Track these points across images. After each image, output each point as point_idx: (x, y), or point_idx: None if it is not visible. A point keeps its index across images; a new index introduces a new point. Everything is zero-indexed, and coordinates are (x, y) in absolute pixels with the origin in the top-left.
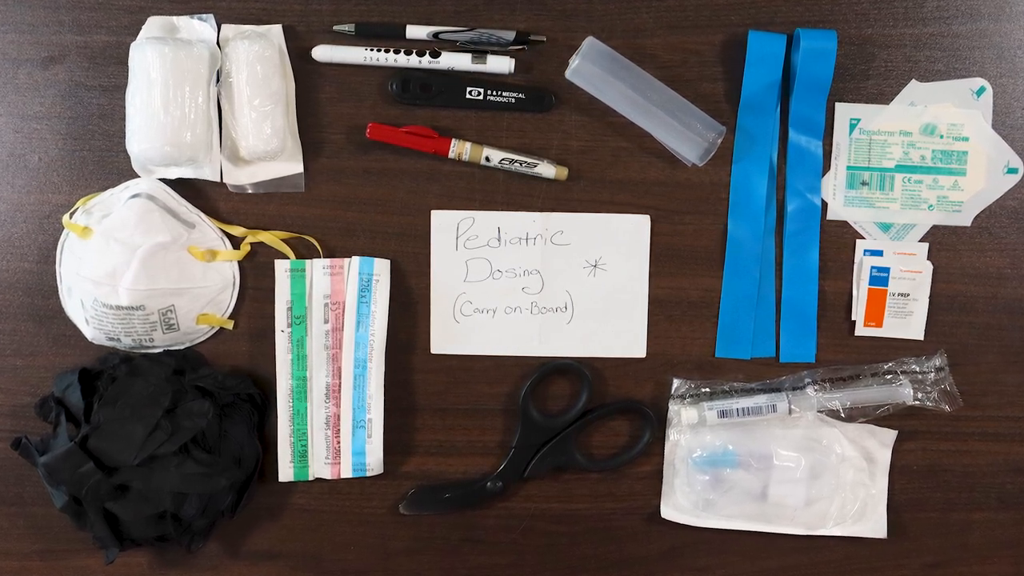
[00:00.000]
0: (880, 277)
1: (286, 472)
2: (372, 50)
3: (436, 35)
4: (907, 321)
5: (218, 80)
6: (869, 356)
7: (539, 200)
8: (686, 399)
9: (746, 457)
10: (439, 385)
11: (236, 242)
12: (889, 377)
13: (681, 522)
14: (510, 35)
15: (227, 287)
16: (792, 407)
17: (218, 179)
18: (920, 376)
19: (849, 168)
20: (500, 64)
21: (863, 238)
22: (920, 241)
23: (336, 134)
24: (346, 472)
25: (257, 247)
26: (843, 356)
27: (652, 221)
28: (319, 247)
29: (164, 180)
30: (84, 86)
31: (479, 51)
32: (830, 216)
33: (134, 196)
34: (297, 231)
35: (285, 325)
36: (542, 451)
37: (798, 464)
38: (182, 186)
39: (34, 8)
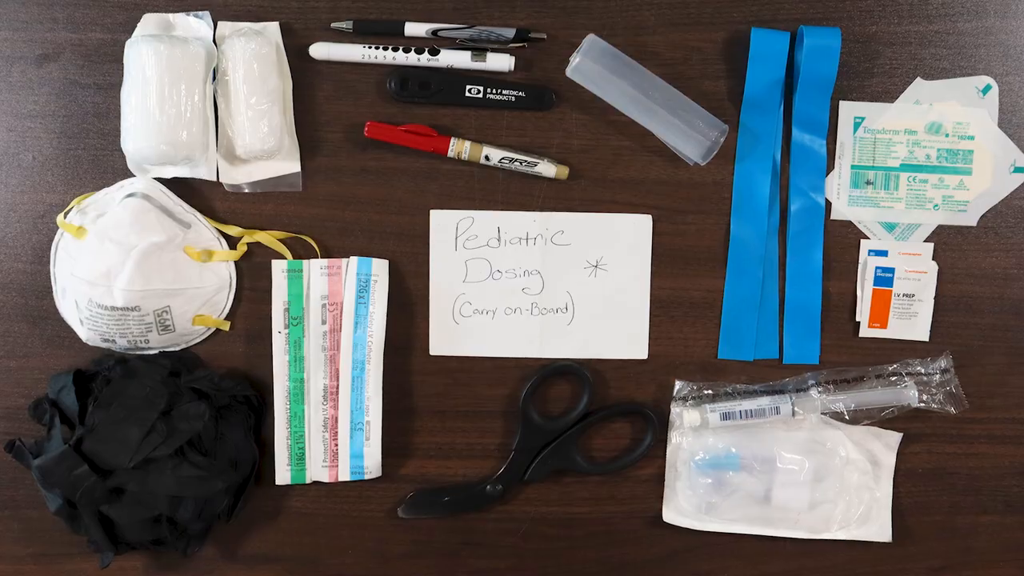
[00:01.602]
0: (885, 278)
1: (283, 475)
2: (370, 47)
3: (435, 32)
4: (912, 322)
5: (214, 78)
6: (873, 358)
7: (539, 199)
8: (688, 401)
9: (749, 460)
10: (438, 387)
11: (232, 242)
12: (894, 379)
13: (683, 526)
14: (510, 32)
15: (223, 288)
16: (796, 409)
17: (214, 178)
18: (925, 378)
19: (853, 167)
20: (500, 62)
21: (867, 238)
22: (925, 241)
23: (334, 133)
24: (344, 475)
25: (254, 247)
26: (847, 358)
27: (654, 221)
28: (316, 247)
29: (160, 179)
30: (79, 84)
31: (479, 49)
32: (834, 216)
33: (129, 195)
34: (294, 231)
35: (282, 326)
36: (543, 454)
37: (802, 467)
38: (178, 185)
39: (28, 5)
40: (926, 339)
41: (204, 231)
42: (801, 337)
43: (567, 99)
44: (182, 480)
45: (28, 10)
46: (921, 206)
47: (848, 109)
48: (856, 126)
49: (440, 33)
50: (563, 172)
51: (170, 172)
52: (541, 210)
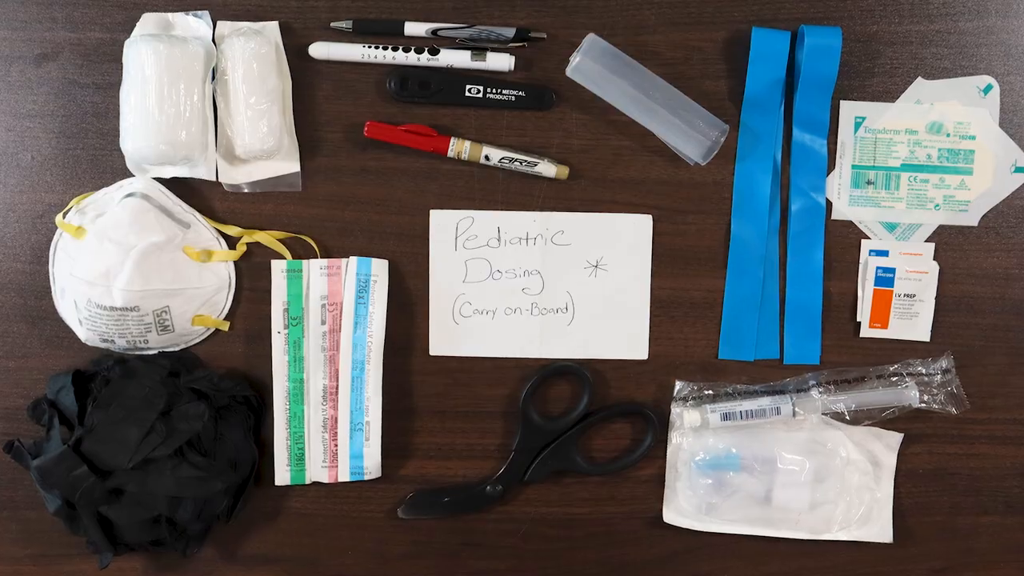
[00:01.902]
0: (886, 278)
1: (283, 476)
2: (370, 47)
3: (435, 32)
4: (913, 322)
5: (213, 78)
6: (874, 358)
7: (539, 199)
8: (689, 401)
9: (750, 460)
10: (438, 387)
11: (232, 242)
12: (895, 379)
13: (684, 526)
14: (510, 32)
15: (223, 288)
16: (796, 410)
17: (214, 178)
18: (926, 378)
19: (854, 167)
20: (500, 61)
21: (868, 238)
22: (926, 241)
23: (333, 132)
24: (344, 476)
25: (253, 247)
26: (848, 358)
27: (654, 221)
28: (316, 247)
29: (159, 179)
30: (78, 84)
31: (479, 48)
32: (835, 216)
33: (128, 195)
34: (294, 231)
35: (282, 327)
36: (543, 454)
37: (802, 467)
38: (177, 185)
39: (27, 4)
40: (927, 339)
41: (203, 231)
42: (802, 337)
43: (567, 99)
44: (181, 481)
45: (27, 9)
46: (922, 206)
47: (849, 109)
48: (857, 126)
49: (440, 33)
50: (563, 172)
51: (169, 172)
52: (541, 210)
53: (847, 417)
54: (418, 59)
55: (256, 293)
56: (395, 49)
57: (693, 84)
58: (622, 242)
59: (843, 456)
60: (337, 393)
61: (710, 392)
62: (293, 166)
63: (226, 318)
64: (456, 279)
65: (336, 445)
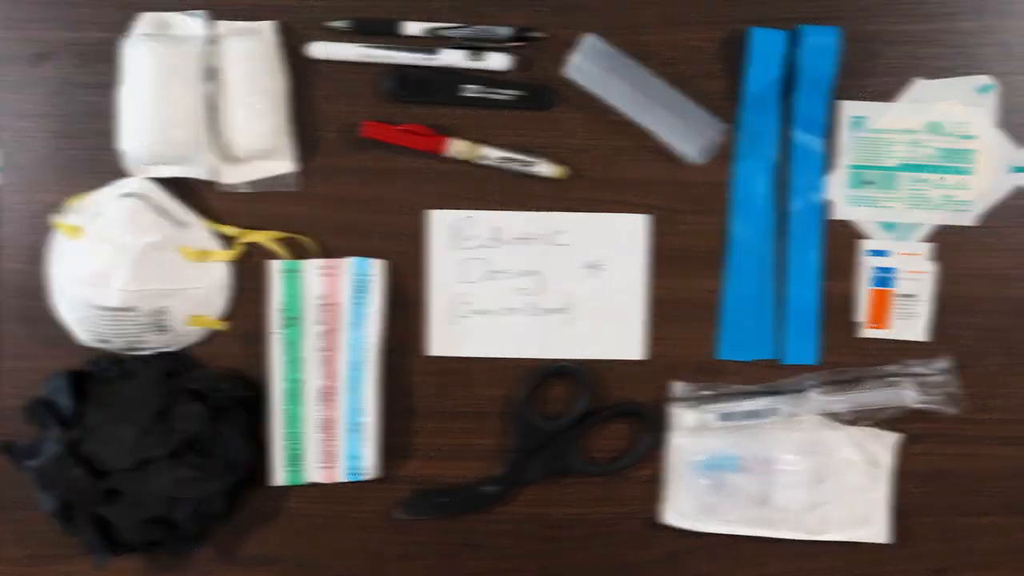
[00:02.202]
0: (884, 278)
1: (280, 476)
2: (367, 47)
3: (433, 31)
4: (912, 322)
5: (211, 77)
6: (873, 358)
7: (538, 199)
8: (687, 402)
9: (748, 461)
10: (436, 388)
11: (229, 242)
12: (893, 380)
13: (682, 527)
14: (508, 31)
15: (220, 288)
16: (795, 410)
17: (211, 178)
18: (925, 379)
19: (853, 167)
20: (498, 61)
21: (867, 238)
22: (925, 241)
23: (330, 132)
24: (341, 476)
25: (250, 247)
26: (847, 358)
27: (653, 221)
28: (314, 247)
29: (156, 179)
30: (74, 84)
31: (477, 47)
32: (833, 216)
33: (125, 195)
34: (291, 231)
35: (279, 327)
36: (541, 455)
37: (801, 468)
38: (174, 185)
39: (23, 4)
40: (926, 339)
41: (200, 231)
42: (800, 337)
43: (566, 98)
44: (178, 481)
45: (24, 9)
46: (921, 206)
47: (847, 108)
48: (856, 126)
49: (438, 32)
50: (562, 172)
51: (166, 172)
52: (540, 210)
53: (846, 417)
54: (416, 58)
55: (253, 293)
56: (393, 48)
57: (691, 84)
58: (621, 242)
59: (842, 457)
60: (334, 393)
61: (709, 393)
62: (290, 166)
63: (223, 318)
64: (454, 279)
65: (333, 445)
